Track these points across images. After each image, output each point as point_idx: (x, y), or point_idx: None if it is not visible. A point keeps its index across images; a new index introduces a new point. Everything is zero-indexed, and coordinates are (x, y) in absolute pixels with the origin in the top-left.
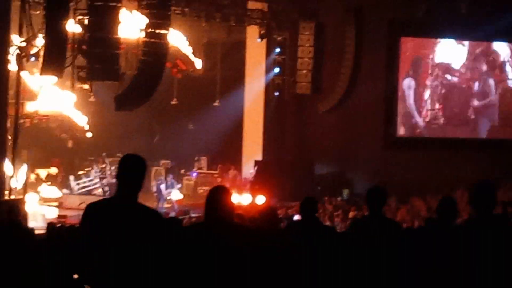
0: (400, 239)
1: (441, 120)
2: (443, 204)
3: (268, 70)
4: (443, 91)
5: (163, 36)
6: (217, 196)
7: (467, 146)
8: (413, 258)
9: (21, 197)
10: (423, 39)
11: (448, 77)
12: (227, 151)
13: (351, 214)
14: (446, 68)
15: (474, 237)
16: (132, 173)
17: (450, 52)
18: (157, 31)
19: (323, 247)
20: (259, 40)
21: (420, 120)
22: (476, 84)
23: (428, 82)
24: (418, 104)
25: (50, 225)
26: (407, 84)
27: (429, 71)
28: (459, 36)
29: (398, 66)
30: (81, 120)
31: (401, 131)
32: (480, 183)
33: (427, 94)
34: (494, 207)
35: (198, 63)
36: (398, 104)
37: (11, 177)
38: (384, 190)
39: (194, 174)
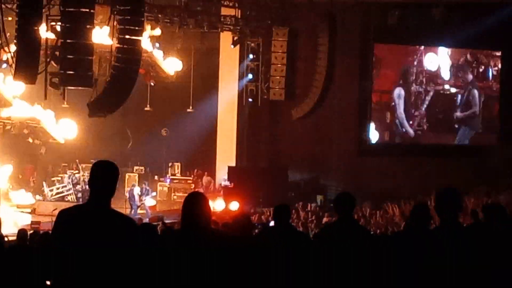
0: (369, 243)
1: (425, 127)
2: (416, 210)
3: (242, 76)
4: (427, 98)
5: (137, 43)
6: (194, 202)
7: (444, 152)
8: (383, 262)
9: None
10: (405, 46)
11: (432, 84)
12: (201, 157)
13: (324, 220)
14: (430, 75)
15: (437, 244)
16: (104, 179)
17: (433, 59)
18: (131, 37)
19: (296, 253)
20: (232, 46)
21: (410, 129)
22: (459, 96)
23: (412, 89)
24: (408, 112)
25: (21, 231)
26: (397, 94)
27: (413, 78)
28: (433, 42)
29: (371, 72)
30: (54, 127)
31: (386, 137)
32: (444, 189)
33: (413, 101)
34: (458, 213)
35: (171, 69)
36: (371, 111)
37: None
38: (351, 195)
39: (168, 180)
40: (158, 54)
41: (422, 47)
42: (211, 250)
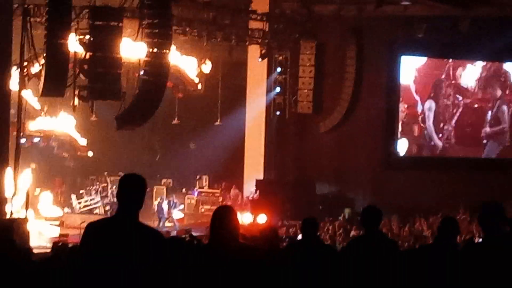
0: (397, 256)
1: (453, 140)
2: (445, 223)
3: (269, 89)
4: (455, 111)
5: (164, 56)
6: (223, 216)
7: (471, 166)
8: (412, 277)
9: (22, 216)
10: (434, 59)
11: (460, 97)
12: (229, 170)
13: (352, 234)
14: (458, 89)
15: (484, 257)
16: (132, 192)
17: (462, 73)
18: (159, 51)
19: (324, 266)
20: (260, 59)
21: (438, 142)
22: (489, 112)
23: (442, 103)
24: (437, 126)
25: (55, 245)
26: (428, 106)
27: (443, 92)
28: (460, 56)
29: (398, 85)
30: (82, 139)
31: (414, 150)
32: (488, 203)
33: (441, 114)
34: (502, 226)
35: (199, 83)
36: (398, 124)
37: (13, 195)
38: (377, 209)
39: (196, 193)
40: (187, 68)
41: (451, 60)
42: (239, 264)
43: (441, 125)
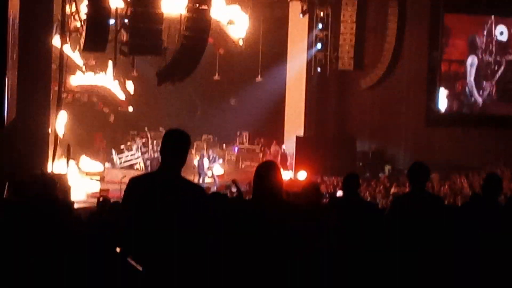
0: (444, 214)
1: (494, 97)
2: (489, 181)
3: (310, 46)
4: (496, 67)
5: (206, 12)
6: (267, 172)
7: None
8: (459, 234)
9: (63, 171)
10: (475, 16)
11: (503, 54)
12: (269, 126)
13: (392, 191)
14: (500, 46)
15: None
16: (175, 147)
17: (503, 29)
18: (200, 6)
19: (365, 223)
20: (301, 15)
21: (479, 98)
22: None
23: (483, 59)
24: (478, 82)
25: (99, 200)
26: (470, 62)
27: (483, 48)
28: (504, 13)
29: (440, 43)
30: (122, 94)
31: (455, 107)
32: None
33: (483, 70)
34: None
35: (241, 39)
36: (440, 80)
37: (54, 151)
38: (426, 166)
39: (236, 149)
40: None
41: (492, 17)
42: (282, 220)
43: (483, 81)
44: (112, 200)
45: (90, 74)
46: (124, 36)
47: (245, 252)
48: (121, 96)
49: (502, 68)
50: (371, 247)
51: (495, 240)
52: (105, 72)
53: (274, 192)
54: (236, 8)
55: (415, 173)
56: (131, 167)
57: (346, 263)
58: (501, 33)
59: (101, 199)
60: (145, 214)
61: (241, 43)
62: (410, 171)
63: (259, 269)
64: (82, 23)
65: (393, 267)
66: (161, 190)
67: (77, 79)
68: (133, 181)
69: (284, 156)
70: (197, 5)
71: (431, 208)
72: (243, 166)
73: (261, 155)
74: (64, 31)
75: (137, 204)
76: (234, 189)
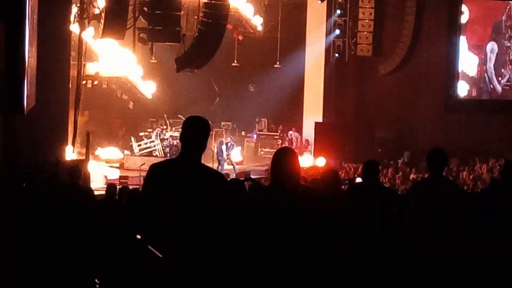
0: (463, 201)
1: None
2: (508, 167)
3: (329, 32)
4: None
5: None
6: (284, 158)
7: None
8: (478, 220)
9: (83, 157)
10: (493, 1)
11: None
12: (288, 113)
13: (411, 177)
14: None
15: None
16: (196, 134)
17: None
18: None
19: (385, 209)
20: (320, 1)
21: (498, 85)
22: None
23: (503, 45)
24: (497, 69)
25: (110, 186)
26: (490, 48)
27: (503, 33)
28: None
29: (460, 28)
30: (144, 84)
31: (474, 93)
32: None
33: (502, 56)
34: None
35: (259, 25)
36: (458, 67)
37: (74, 137)
38: (444, 152)
39: (255, 136)
40: (246, 9)
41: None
42: (301, 206)
43: (502, 68)
44: (131, 187)
45: (109, 61)
46: (142, 23)
47: (263, 238)
48: (142, 88)
49: None
50: (390, 233)
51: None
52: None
53: (291, 178)
54: None
55: (433, 159)
56: (150, 154)
57: (363, 250)
58: None
59: (120, 187)
60: (166, 200)
61: (260, 28)
62: (428, 157)
63: (277, 254)
64: (101, 10)
65: (410, 252)
66: (182, 177)
67: (96, 66)
68: (154, 168)
69: (303, 143)
70: None
71: (449, 194)
72: (262, 152)
73: (280, 141)
74: (83, 18)
75: (158, 190)
76: (253, 176)
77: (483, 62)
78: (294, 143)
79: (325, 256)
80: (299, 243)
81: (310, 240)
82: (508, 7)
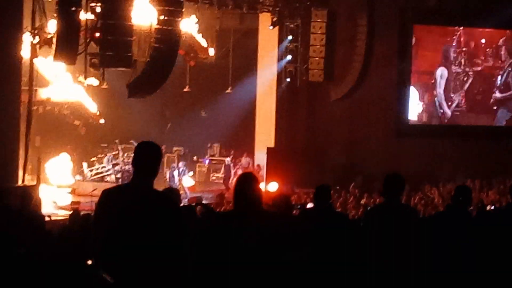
0: (419, 226)
1: (464, 108)
2: (459, 192)
3: (281, 57)
4: (465, 78)
5: (176, 23)
6: (247, 183)
7: (482, 134)
8: (433, 244)
9: (34, 183)
10: (444, 27)
11: (471, 65)
12: (240, 138)
13: (363, 201)
14: (469, 56)
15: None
16: (148, 160)
17: (471, 40)
18: (170, 18)
19: (338, 234)
20: (271, 27)
21: (447, 110)
22: (499, 77)
23: (452, 70)
24: (447, 94)
25: (74, 212)
26: (440, 73)
27: (453, 59)
28: (473, 23)
29: (410, 54)
30: (93, 107)
31: (424, 118)
32: None
33: (452, 82)
34: None
35: (211, 51)
36: (408, 92)
37: (25, 163)
38: (402, 177)
39: (207, 161)
40: (198, 35)
41: (461, 28)
42: (266, 230)
43: (451, 93)
44: (82, 213)
45: (60, 86)
46: (94, 48)
47: (225, 262)
48: (93, 109)
49: (471, 79)
50: (345, 258)
51: (468, 250)
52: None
53: (254, 203)
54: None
55: (390, 183)
56: (102, 179)
57: (321, 274)
58: (469, 43)
59: (72, 212)
60: (118, 226)
61: (211, 54)
62: (385, 182)
63: (239, 279)
64: (53, 35)
65: (367, 277)
66: (134, 202)
67: (47, 92)
68: (106, 193)
69: (255, 168)
70: (167, 17)
71: (406, 219)
72: (214, 177)
73: (232, 166)
74: (34, 43)
75: (110, 216)
76: (205, 201)
77: (433, 88)
78: (246, 169)
79: (287, 277)
80: (264, 265)
81: (275, 262)
82: (457, 33)
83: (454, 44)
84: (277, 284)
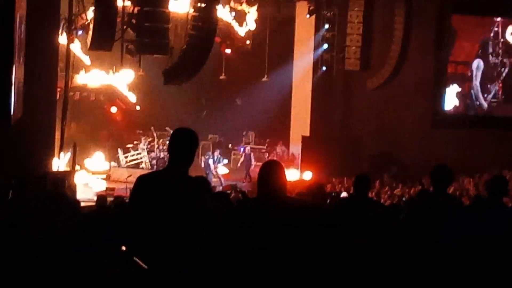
0: (462, 216)
1: (501, 98)
2: (494, 182)
3: (317, 46)
4: (502, 69)
5: (213, 11)
6: (270, 170)
7: None
8: (465, 233)
9: (69, 169)
10: (482, 17)
11: (508, 56)
12: (275, 126)
13: (397, 191)
14: (507, 47)
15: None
16: (184, 147)
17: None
18: (207, 5)
19: (377, 223)
20: (308, 16)
21: (484, 102)
22: None
23: (490, 61)
24: (484, 85)
25: (100, 197)
26: (476, 65)
27: (491, 50)
28: (509, 13)
29: (447, 44)
30: (130, 94)
31: (460, 109)
32: None
33: (489, 73)
34: None
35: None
36: (447, 82)
37: (61, 149)
38: (449, 168)
39: (242, 149)
40: (235, 23)
41: (499, 18)
42: (287, 218)
43: (488, 84)
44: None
45: (97, 72)
46: (131, 35)
47: (249, 250)
48: (130, 97)
49: (507, 69)
50: (386, 247)
51: (501, 242)
52: (113, 71)
53: (277, 191)
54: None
55: (438, 175)
56: (137, 166)
57: (355, 264)
58: (510, 34)
59: (98, 196)
60: (153, 213)
61: (248, 42)
62: (433, 173)
63: (261, 266)
64: (89, 21)
65: (410, 264)
66: (169, 189)
67: (84, 78)
68: (141, 180)
69: (290, 156)
70: (204, 4)
71: (451, 209)
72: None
73: (267, 155)
74: (71, 30)
75: (145, 202)
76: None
77: (469, 79)
78: (281, 157)
79: (311, 267)
80: (285, 254)
81: (295, 251)
82: (496, 23)
83: (492, 35)
84: (294, 272)
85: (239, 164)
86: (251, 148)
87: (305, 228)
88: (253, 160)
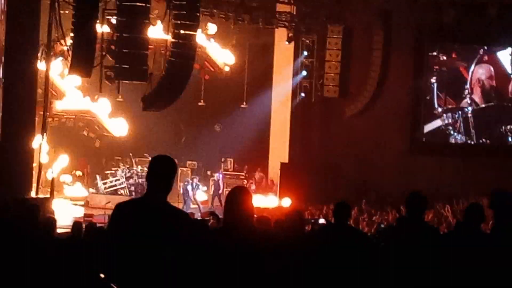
0: (440, 244)
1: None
2: (471, 209)
3: (296, 73)
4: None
5: (192, 38)
6: (236, 197)
7: (494, 153)
8: (444, 261)
9: (47, 195)
10: (461, 46)
11: (487, 83)
12: (254, 153)
13: (376, 218)
14: (487, 77)
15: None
16: (162, 174)
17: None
18: (186, 32)
19: (356, 252)
20: (287, 42)
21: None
22: None
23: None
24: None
25: (76, 224)
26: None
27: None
28: (488, 43)
29: (425, 71)
30: (111, 122)
31: (440, 136)
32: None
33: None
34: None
35: (225, 63)
36: (422, 109)
37: (39, 174)
38: (423, 196)
39: (220, 176)
40: (213, 49)
41: (481, 50)
42: (251, 247)
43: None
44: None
45: (76, 99)
46: (110, 61)
47: (216, 279)
48: (110, 125)
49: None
50: (365, 275)
51: (481, 268)
52: (90, 97)
53: (242, 218)
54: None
55: (414, 202)
56: (115, 192)
57: None
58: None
59: (74, 222)
60: (131, 240)
61: (227, 69)
62: (408, 200)
63: None
64: (68, 47)
65: None
66: (147, 217)
67: (63, 104)
68: (119, 207)
69: (269, 183)
70: (183, 31)
71: (426, 237)
72: (227, 192)
73: (245, 181)
74: (50, 56)
75: (123, 230)
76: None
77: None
78: (260, 184)
79: None
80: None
81: (260, 279)
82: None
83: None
84: None
85: (211, 192)
86: (230, 174)
87: (269, 258)
88: (221, 185)
